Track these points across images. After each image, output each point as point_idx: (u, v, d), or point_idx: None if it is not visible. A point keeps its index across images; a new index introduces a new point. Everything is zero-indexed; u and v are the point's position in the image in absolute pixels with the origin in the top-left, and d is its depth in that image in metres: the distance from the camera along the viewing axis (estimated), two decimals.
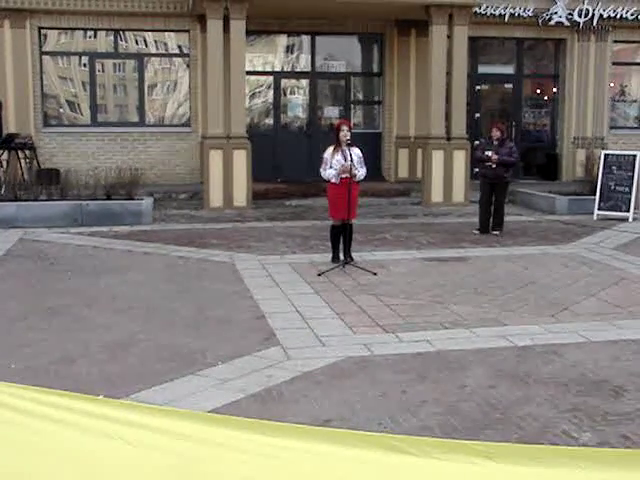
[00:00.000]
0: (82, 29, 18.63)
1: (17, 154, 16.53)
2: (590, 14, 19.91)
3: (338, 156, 10.40)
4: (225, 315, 8.11)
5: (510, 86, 21.39)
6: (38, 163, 16.93)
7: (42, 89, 18.56)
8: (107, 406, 2.17)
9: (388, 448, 1.93)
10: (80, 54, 18.97)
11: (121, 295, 8.98)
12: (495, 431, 5.08)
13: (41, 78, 18.50)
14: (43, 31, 18.40)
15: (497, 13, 19.47)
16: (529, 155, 20.77)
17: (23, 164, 16.53)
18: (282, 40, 20.14)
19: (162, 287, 9.40)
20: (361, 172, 10.49)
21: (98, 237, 12.83)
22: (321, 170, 10.62)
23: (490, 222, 13.60)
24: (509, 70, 21.21)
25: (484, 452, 1.92)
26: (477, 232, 13.53)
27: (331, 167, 10.44)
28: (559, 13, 19.73)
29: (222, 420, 2.23)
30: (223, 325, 7.75)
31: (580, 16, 19.88)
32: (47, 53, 18.68)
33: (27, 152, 16.85)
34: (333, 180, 10.44)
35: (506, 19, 19.55)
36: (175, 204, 16.73)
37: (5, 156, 16.52)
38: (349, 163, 10.25)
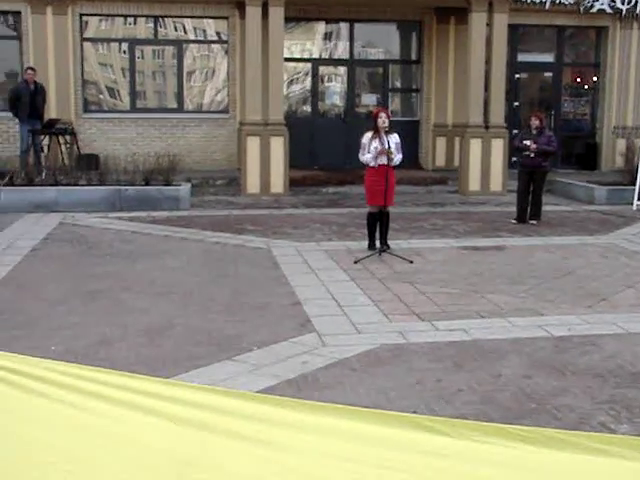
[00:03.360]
0: (122, 16, 18.74)
1: (58, 139, 16.69)
2: (633, 1, 19.62)
3: (376, 143, 10.39)
4: (261, 301, 8.15)
5: (550, 74, 21.17)
6: (78, 148, 17.07)
7: (82, 75, 18.71)
8: (147, 383, 2.19)
9: (424, 429, 1.94)
10: (120, 40, 19.09)
11: (158, 280, 9.06)
12: (531, 421, 5.06)
13: (82, 64, 18.65)
14: (84, 18, 18.54)
15: (538, 0, 19.26)
16: (568, 144, 20.55)
17: (63, 149, 16.68)
18: (320, 27, 20.10)
19: (199, 272, 9.47)
20: (398, 157, 10.48)
21: (136, 222, 12.93)
22: (359, 154, 10.65)
23: (528, 211, 13.50)
24: (549, 58, 20.98)
25: (520, 436, 1.92)
26: (514, 221, 13.44)
27: (369, 152, 10.45)
28: (601, 0, 19.47)
29: (262, 399, 2.25)
30: (259, 311, 7.79)
31: (623, 3, 19.61)
32: (88, 39, 18.81)
33: (67, 137, 16.99)
34: (371, 163, 10.45)
35: (547, 6, 19.34)
36: (212, 190, 16.80)
37: (46, 141, 16.68)
38: (386, 146, 10.24)
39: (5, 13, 18.25)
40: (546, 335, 7.04)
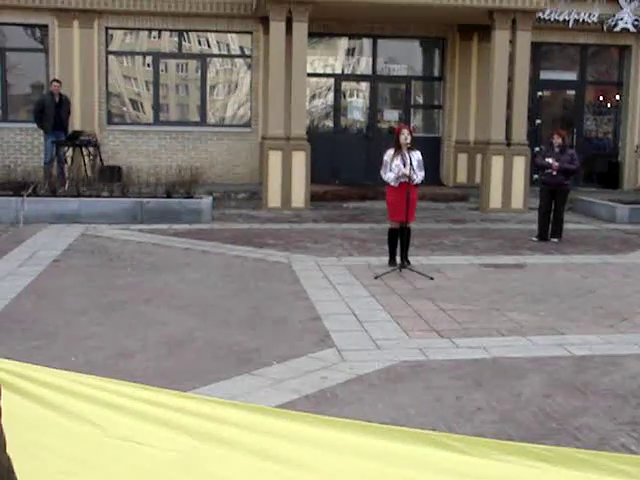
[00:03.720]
0: (147, 29, 18.91)
1: (81, 151, 16.81)
2: None
3: (397, 160, 10.39)
4: (281, 315, 8.16)
5: (572, 92, 21.13)
6: (101, 160, 17.19)
7: (107, 88, 18.88)
8: (164, 395, 2.20)
9: (445, 447, 1.94)
10: (144, 54, 19.25)
11: (179, 292, 9.09)
12: (551, 441, 5.02)
13: (106, 77, 18.82)
14: (110, 31, 18.72)
15: (561, 19, 19.26)
16: (590, 163, 20.48)
17: (87, 161, 16.79)
18: (343, 43, 20.18)
19: (219, 285, 9.49)
20: (419, 176, 10.46)
21: (157, 234, 12.99)
22: (381, 172, 10.64)
23: (549, 229, 13.45)
24: (572, 76, 20.94)
25: (541, 455, 1.91)
26: (536, 239, 13.39)
27: (390, 170, 10.44)
28: (625, 19, 19.44)
29: (280, 413, 2.25)
30: (279, 325, 7.79)
31: None
32: (113, 53, 18.99)
33: (91, 149, 17.11)
34: (392, 183, 10.45)
35: (570, 25, 19.34)
36: (234, 203, 16.86)
37: (70, 153, 16.81)
38: (408, 169, 10.24)
39: (32, 26, 18.47)
40: (567, 354, 6.99)
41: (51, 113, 16.44)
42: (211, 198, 15.28)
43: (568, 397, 5.90)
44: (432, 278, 9.96)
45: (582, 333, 7.73)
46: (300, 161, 16.23)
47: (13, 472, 0.97)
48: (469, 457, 1.91)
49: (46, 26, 18.20)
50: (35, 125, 16.94)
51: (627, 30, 19.56)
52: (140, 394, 2.19)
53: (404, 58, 20.51)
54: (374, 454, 1.95)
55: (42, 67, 18.58)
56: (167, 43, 19.30)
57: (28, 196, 13.81)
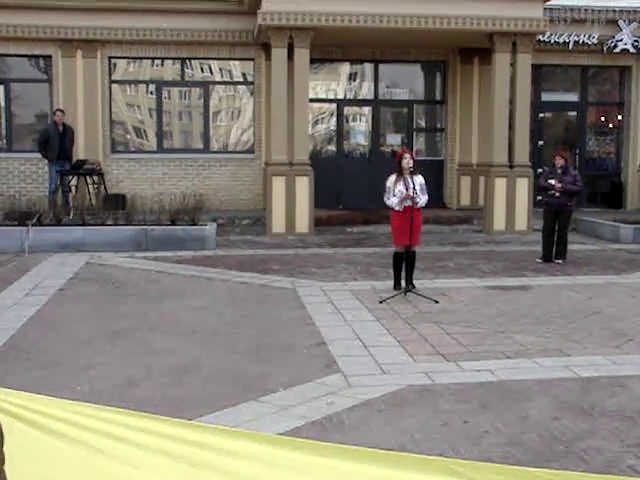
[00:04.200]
0: (150, 58, 19.05)
1: (86, 179, 16.90)
2: None
3: (400, 186, 10.42)
4: (286, 341, 8.15)
5: (574, 114, 21.21)
6: (105, 188, 17.27)
7: (110, 116, 18.99)
8: (167, 425, 2.20)
9: (450, 473, 1.94)
10: (147, 82, 19.39)
11: (184, 320, 9.10)
12: (559, 464, 5.01)
13: (110, 106, 18.94)
14: (113, 60, 18.87)
15: (561, 41, 19.38)
16: (593, 183, 20.53)
17: (91, 189, 16.88)
18: (345, 68, 20.30)
19: (225, 312, 9.50)
20: (423, 199, 10.49)
21: (162, 262, 13.01)
22: (385, 198, 10.66)
23: (553, 251, 13.45)
24: (573, 98, 21.03)
25: (548, 479, 1.91)
26: (540, 261, 13.39)
27: (394, 195, 10.47)
28: (624, 40, 19.54)
29: (284, 442, 2.25)
30: (284, 351, 7.79)
31: None
32: (116, 81, 19.12)
33: (95, 178, 17.20)
34: (396, 208, 10.47)
35: (570, 47, 19.45)
36: (238, 230, 16.90)
37: (74, 181, 16.89)
38: (411, 191, 10.27)
39: (37, 57, 18.63)
40: (573, 376, 6.98)
41: (55, 143, 16.54)
42: (215, 225, 15.32)
43: (575, 419, 5.88)
44: (437, 301, 9.96)
45: (588, 354, 7.71)
46: (304, 186, 16.29)
47: None
48: None
49: (50, 57, 18.36)
50: (39, 155, 17.04)
51: (627, 51, 19.66)
52: (142, 424, 2.19)
53: (406, 82, 20.62)
54: None
55: (46, 97, 18.72)
56: (170, 71, 19.43)
57: (33, 225, 13.87)
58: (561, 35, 19.32)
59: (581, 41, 19.45)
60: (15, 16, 17.55)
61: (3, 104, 19.00)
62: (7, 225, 14.26)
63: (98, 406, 2.32)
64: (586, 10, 19.37)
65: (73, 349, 7.84)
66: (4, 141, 19.08)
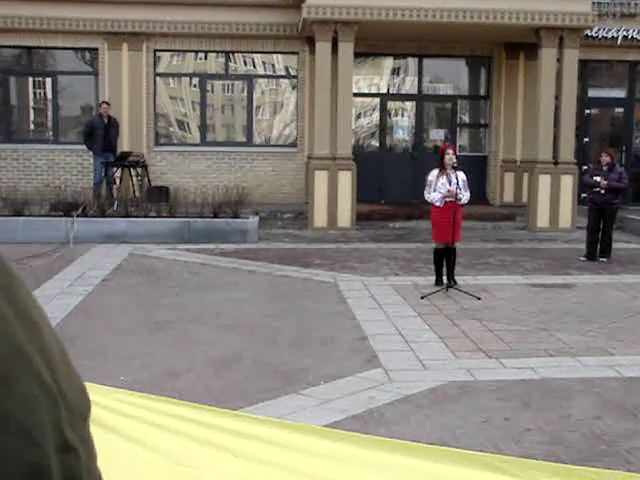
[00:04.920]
0: (194, 51, 19.15)
1: (130, 172, 17.04)
2: None
3: (443, 179, 10.37)
4: (328, 335, 8.16)
5: (621, 110, 20.92)
6: (149, 181, 17.40)
7: (154, 109, 19.13)
8: (210, 414, 2.21)
9: (491, 468, 1.92)
10: (191, 75, 19.49)
11: (226, 312, 9.14)
12: (602, 464, 4.95)
13: (154, 98, 19.08)
14: (157, 53, 18.99)
15: (609, 36, 19.10)
16: (639, 181, 20.23)
17: (135, 181, 17.02)
18: (389, 62, 20.23)
19: (266, 305, 9.53)
20: (465, 196, 10.42)
21: (204, 254, 13.09)
22: (425, 193, 10.59)
23: (598, 249, 13.29)
24: (620, 94, 20.73)
25: (590, 478, 1.89)
26: (584, 259, 13.24)
27: (435, 190, 10.41)
28: None
29: (326, 433, 2.25)
30: (325, 345, 7.80)
31: None
32: (160, 74, 19.25)
33: (139, 170, 17.34)
34: (437, 204, 10.41)
35: (618, 42, 19.16)
36: (280, 223, 16.94)
37: (118, 173, 17.05)
38: (455, 187, 10.21)
39: (83, 50, 18.81)
40: (616, 375, 6.90)
41: (100, 135, 16.70)
42: (257, 218, 15.37)
43: (618, 419, 5.82)
44: (479, 298, 9.90)
45: (632, 354, 7.62)
46: (346, 181, 16.27)
47: None
48: (517, 479, 1.89)
49: (96, 49, 18.54)
50: (85, 147, 17.22)
51: None
52: (186, 413, 2.21)
53: (450, 77, 20.49)
54: (421, 475, 1.95)
55: (92, 89, 18.92)
56: (213, 64, 19.51)
57: (78, 216, 14.03)
58: (609, 30, 19.04)
59: (630, 36, 19.16)
60: (62, 9, 17.73)
61: (50, 96, 19.24)
62: (53, 216, 14.44)
63: (141, 394, 2.34)
64: (636, 4, 19.08)
65: (116, 339, 7.93)
66: (50, 133, 19.32)
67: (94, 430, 2.13)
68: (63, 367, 0.85)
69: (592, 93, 20.40)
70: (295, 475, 1.99)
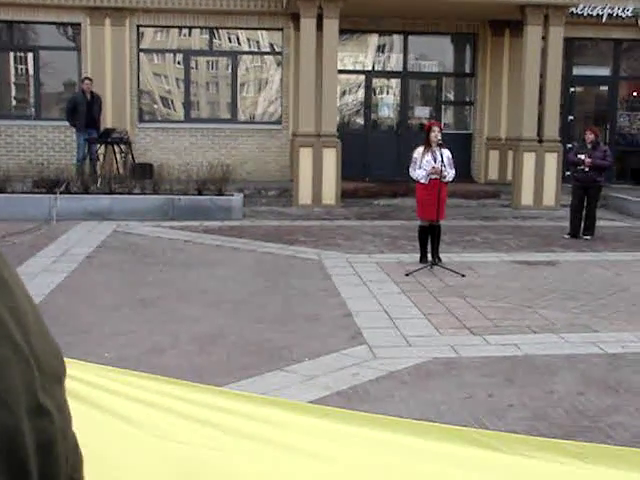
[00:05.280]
0: (178, 27, 19.00)
1: (113, 148, 16.93)
2: None
3: (428, 157, 10.36)
4: (312, 312, 8.17)
5: (605, 88, 20.94)
6: (133, 157, 17.30)
7: (138, 86, 18.99)
8: (195, 391, 2.20)
9: (475, 443, 1.92)
10: (175, 51, 19.35)
11: (210, 289, 9.13)
12: (584, 438, 4.99)
13: (138, 75, 18.94)
14: (141, 29, 18.83)
15: (594, 13, 19.08)
16: (623, 159, 20.28)
17: (119, 158, 16.92)
18: (374, 39, 20.15)
19: (250, 282, 9.52)
20: (450, 174, 10.42)
21: (189, 231, 13.06)
22: (410, 170, 10.59)
23: (581, 226, 13.34)
24: (605, 72, 20.75)
25: (575, 452, 1.89)
26: (568, 236, 13.29)
27: (420, 167, 10.40)
28: None
29: (311, 409, 2.24)
30: (310, 322, 7.81)
31: None
32: (144, 50, 19.09)
33: (123, 147, 17.23)
34: (422, 181, 10.41)
35: (604, 19, 19.15)
36: (264, 200, 16.90)
37: (102, 150, 16.93)
38: (439, 165, 10.20)
39: (65, 25, 18.63)
40: (599, 352, 6.95)
41: (83, 111, 16.57)
42: (242, 195, 15.32)
43: (601, 395, 5.86)
44: (463, 275, 9.93)
45: (615, 331, 7.67)
46: (331, 158, 16.23)
47: (79, 448, 0.97)
48: (500, 454, 1.88)
49: (79, 24, 18.35)
50: (67, 123, 17.09)
51: None
52: (171, 390, 2.19)
53: (435, 54, 20.44)
54: (404, 450, 1.94)
55: (74, 65, 18.75)
56: (198, 41, 19.37)
57: (61, 193, 13.94)
58: (594, 8, 19.02)
59: (615, 14, 19.14)
60: None
61: (32, 72, 19.05)
62: (35, 193, 14.34)
63: (125, 370, 2.33)
64: None
65: (100, 316, 7.91)
66: (32, 109, 19.15)
67: (78, 406, 2.11)
68: (36, 329, 0.83)
69: (577, 71, 20.40)
70: (281, 450, 1.99)
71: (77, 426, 2.11)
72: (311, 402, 5.49)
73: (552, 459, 1.86)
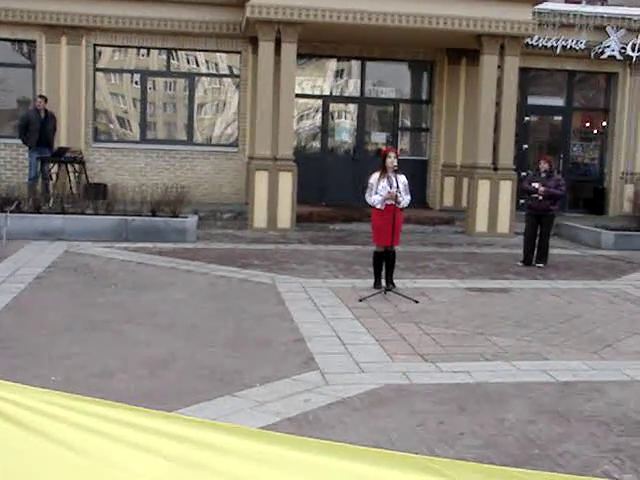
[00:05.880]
0: (136, 47, 18.92)
1: (67, 168, 16.76)
2: None
3: (384, 182, 10.38)
4: (265, 336, 8.10)
5: (559, 118, 21.27)
6: (87, 177, 17.14)
7: (94, 105, 18.85)
8: (145, 417, 2.15)
9: (427, 470, 1.89)
10: (132, 71, 19.26)
11: (162, 312, 9.02)
12: (534, 467, 4.97)
13: (94, 94, 18.79)
14: (98, 48, 18.72)
15: (549, 45, 19.40)
16: (576, 188, 20.59)
17: (72, 178, 16.75)
18: (332, 64, 20.25)
19: (203, 306, 9.43)
20: (406, 199, 10.45)
21: (142, 253, 12.92)
22: (366, 195, 10.61)
23: (534, 254, 13.46)
24: (559, 102, 21.09)
25: (523, 479, 1.87)
26: (521, 264, 13.40)
27: (377, 193, 10.42)
28: (612, 47, 19.61)
29: (261, 435, 2.20)
30: (262, 347, 7.74)
31: (633, 50, 19.75)
32: (100, 70, 18.97)
33: (76, 166, 17.07)
34: (378, 206, 10.42)
35: (558, 51, 19.48)
36: (219, 223, 16.82)
37: (55, 169, 16.75)
38: (395, 190, 10.22)
39: (20, 42, 18.45)
40: (551, 380, 6.97)
41: (36, 129, 16.39)
42: (196, 217, 15.24)
43: (551, 423, 5.86)
44: (417, 301, 9.93)
45: (566, 359, 7.71)
46: (287, 182, 16.23)
47: None
48: None
49: (34, 42, 18.18)
50: (20, 141, 16.88)
51: (614, 57, 19.73)
52: (115, 414, 2.14)
53: (392, 81, 20.58)
54: (354, 477, 1.91)
55: (29, 83, 18.54)
56: (155, 61, 19.30)
57: (12, 212, 13.72)
58: (549, 39, 19.34)
59: (569, 46, 19.48)
60: None
61: None
62: None
63: (71, 395, 2.26)
64: (575, 15, 19.42)
65: (49, 338, 7.75)
66: None
67: (19, 433, 2.04)
68: None
69: (531, 100, 20.69)
70: (226, 478, 1.94)
71: (13, 451, 2.04)
72: (261, 428, 5.42)
73: None
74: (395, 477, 1.89)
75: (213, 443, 2.01)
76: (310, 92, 20.19)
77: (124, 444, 2.02)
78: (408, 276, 11.77)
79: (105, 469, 1.98)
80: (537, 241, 13.50)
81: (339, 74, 20.48)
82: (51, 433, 2.04)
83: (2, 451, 2.03)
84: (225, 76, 19.63)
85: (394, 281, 10.68)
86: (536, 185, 13.27)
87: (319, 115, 20.17)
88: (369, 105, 20.41)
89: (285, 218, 16.28)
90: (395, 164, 10.39)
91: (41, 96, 17.03)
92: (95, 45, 18.53)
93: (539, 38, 19.08)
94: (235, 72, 19.38)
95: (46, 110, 16.76)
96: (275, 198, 16.20)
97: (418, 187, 18.22)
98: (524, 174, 17.59)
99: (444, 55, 19.52)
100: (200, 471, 1.96)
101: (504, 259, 14.00)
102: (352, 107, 20.39)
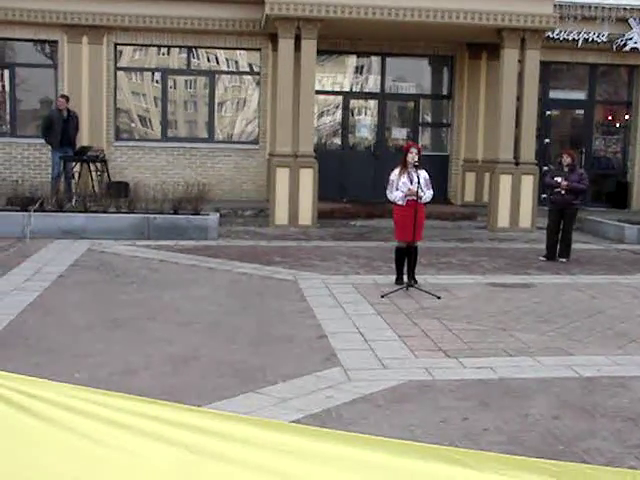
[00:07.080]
0: (156, 46, 18.98)
1: (89, 166, 16.84)
2: None
3: (404, 178, 10.35)
4: (287, 333, 8.10)
5: (581, 112, 21.11)
6: (109, 176, 17.21)
7: (115, 104, 18.93)
8: (170, 410, 2.15)
9: (451, 461, 1.89)
10: (153, 70, 19.31)
11: (184, 309, 9.04)
12: None
13: (115, 93, 18.88)
14: (119, 47, 18.80)
15: (570, 38, 19.25)
16: (599, 182, 20.44)
17: (94, 176, 16.83)
18: (352, 60, 20.22)
19: (225, 303, 9.45)
20: (427, 195, 10.42)
21: (164, 251, 12.96)
22: (387, 192, 10.58)
23: (557, 249, 13.38)
24: (581, 96, 20.93)
25: (550, 470, 1.86)
26: (543, 259, 13.32)
27: (397, 189, 10.39)
28: (634, 39, 19.42)
29: (284, 427, 2.20)
30: (284, 343, 7.74)
31: None
32: (121, 69, 19.05)
33: (98, 165, 17.15)
34: (399, 202, 10.39)
35: (579, 44, 19.33)
36: (241, 220, 16.84)
37: (77, 168, 16.83)
38: (416, 186, 10.19)
39: (42, 42, 18.55)
40: (575, 375, 6.92)
41: (58, 129, 16.48)
42: (218, 215, 15.26)
43: (576, 419, 5.83)
44: (439, 297, 9.90)
45: (590, 354, 7.66)
46: (308, 178, 16.22)
47: None
48: (478, 472, 1.86)
49: (56, 42, 18.28)
50: (43, 141, 16.98)
51: (636, 50, 19.53)
52: (138, 408, 2.14)
53: (413, 76, 20.53)
54: (382, 469, 1.91)
55: (51, 83, 18.66)
56: (176, 59, 19.36)
57: (35, 211, 13.81)
58: (570, 32, 19.19)
59: (590, 39, 19.33)
60: (21, 0, 17.47)
61: (8, 89, 18.93)
62: (9, 210, 14.22)
63: (94, 390, 2.27)
64: (596, 7, 19.26)
65: (72, 336, 7.80)
66: (8, 126, 19.01)
67: (46, 427, 2.05)
68: None
69: (553, 94, 20.56)
70: (251, 470, 1.94)
71: (32, 443, 2.05)
72: None
73: (528, 477, 1.83)
74: (417, 466, 1.89)
75: (235, 434, 2.01)
76: (330, 88, 20.18)
77: (145, 436, 2.03)
78: (430, 272, 11.73)
79: (129, 461, 1.99)
80: (560, 236, 13.42)
81: (359, 70, 20.45)
82: (75, 427, 2.05)
83: (24, 444, 2.04)
84: (245, 73, 19.65)
85: (416, 277, 10.65)
86: (558, 179, 13.19)
87: (339, 111, 20.16)
88: (389, 101, 20.36)
89: (306, 215, 16.27)
90: (416, 160, 10.36)
91: (63, 96, 17.13)
92: (116, 44, 18.61)
93: (560, 31, 18.93)
94: (255, 69, 19.40)
95: (68, 109, 16.84)
96: (296, 195, 16.20)
97: (439, 183, 18.13)
98: (546, 168, 17.47)
99: (464, 50, 19.44)
100: (223, 461, 1.96)
101: (526, 254, 13.93)
102: (372, 103, 20.35)
